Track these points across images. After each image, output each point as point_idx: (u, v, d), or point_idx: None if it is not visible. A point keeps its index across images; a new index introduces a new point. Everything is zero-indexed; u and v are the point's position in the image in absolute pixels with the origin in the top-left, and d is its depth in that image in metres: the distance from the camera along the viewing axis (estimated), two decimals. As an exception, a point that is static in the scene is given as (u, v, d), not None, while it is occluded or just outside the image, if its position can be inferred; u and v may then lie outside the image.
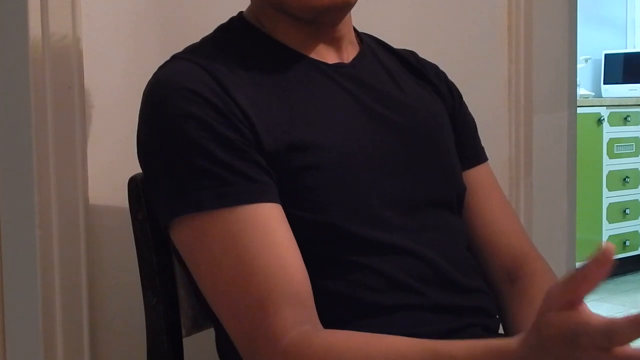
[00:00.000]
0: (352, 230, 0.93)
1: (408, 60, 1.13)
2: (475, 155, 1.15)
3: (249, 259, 0.87)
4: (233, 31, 1.03)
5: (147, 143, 0.94)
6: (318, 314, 0.89)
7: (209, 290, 0.90)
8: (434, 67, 1.16)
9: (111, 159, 1.22)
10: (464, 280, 1.00)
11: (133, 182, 1.02)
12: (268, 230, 0.88)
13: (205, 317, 1.05)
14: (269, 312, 0.85)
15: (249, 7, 1.05)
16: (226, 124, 0.89)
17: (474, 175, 1.13)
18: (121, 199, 1.06)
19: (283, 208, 0.90)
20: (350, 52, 1.06)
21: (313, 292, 0.89)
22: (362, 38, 1.10)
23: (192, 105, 0.89)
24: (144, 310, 1.03)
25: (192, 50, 0.99)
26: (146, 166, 0.96)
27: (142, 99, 0.96)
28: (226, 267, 0.87)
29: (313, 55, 1.01)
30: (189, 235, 0.90)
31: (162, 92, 0.93)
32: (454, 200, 1.07)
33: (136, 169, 1.02)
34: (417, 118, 1.06)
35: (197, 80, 0.91)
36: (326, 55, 1.03)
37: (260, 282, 0.86)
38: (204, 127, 0.89)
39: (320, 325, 0.88)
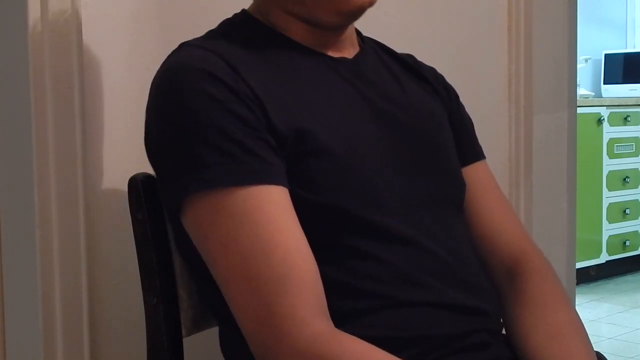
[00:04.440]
0: (357, 214, 0.93)
1: (407, 62, 1.14)
2: (472, 153, 1.16)
3: (266, 235, 0.86)
4: (238, 24, 1.04)
5: (158, 127, 0.94)
6: None
7: (222, 268, 0.89)
8: (432, 70, 1.18)
9: (111, 159, 1.22)
10: (470, 277, 1.00)
11: (133, 182, 1.02)
12: (282, 210, 0.88)
13: (206, 316, 1.05)
14: (292, 291, 0.85)
15: (253, 4, 1.06)
16: (240, 102, 0.90)
17: (471, 173, 1.13)
18: (121, 199, 1.06)
19: (290, 189, 0.91)
20: (352, 51, 1.07)
21: None
22: (364, 39, 1.12)
23: (207, 85, 0.90)
24: (144, 310, 1.03)
25: (200, 39, 1.00)
26: (157, 152, 0.95)
27: (153, 84, 0.96)
28: (242, 242, 0.87)
29: (318, 49, 1.03)
30: (202, 213, 0.89)
31: (175, 74, 0.93)
32: (456, 197, 1.07)
33: (136, 169, 1.02)
34: (417, 116, 1.06)
35: (209, 62, 0.92)
36: (330, 51, 1.04)
37: (280, 259, 0.86)
38: (219, 105, 0.89)
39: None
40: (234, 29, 1.03)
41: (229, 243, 0.87)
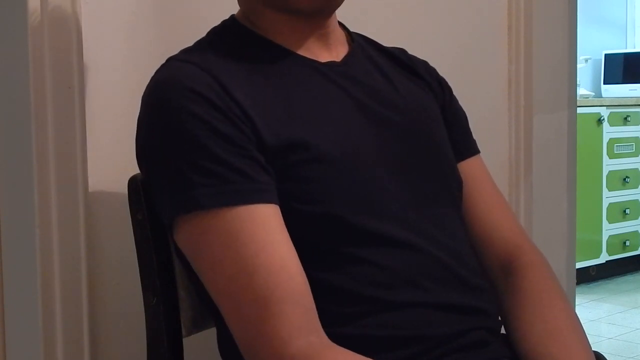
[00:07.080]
0: (354, 221, 0.93)
1: (398, 57, 1.14)
2: (466, 147, 1.15)
3: (250, 257, 0.87)
4: (226, 33, 1.03)
5: (147, 144, 0.94)
6: (319, 309, 0.89)
7: (211, 288, 0.90)
8: (424, 63, 1.17)
9: (111, 159, 1.22)
10: (470, 278, 1.00)
11: (133, 182, 1.02)
12: (268, 229, 0.88)
13: (206, 316, 1.05)
14: (274, 311, 0.85)
15: (240, 10, 1.06)
16: (226, 121, 0.90)
17: (465, 168, 1.13)
18: (121, 199, 1.06)
19: (284, 202, 0.91)
20: (340, 52, 1.06)
21: (315, 286, 0.90)
22: (353, 37, 1.11)
23: (192, 104, 0.89)
24: (144, 310, 1.03)
25: (188, 52, 1.00)
26: (147, 168, 0.96)
27: (142, 101, 0.96)
28: (227, 264, 0.87)
29: (306, 54, 1.02)
30: (191, 234, 0.90)
31: (161, 92, 0.93)
32: (454, 196, 1.07)
33: (136, 168, 1.02)
34: (411, 114, 1.06)
35: (195, 80, 0.91)
36: (318, 54, 1.03)
37: (262, 280, 0.86)
38: (205, 125, 0.89)
39: (325, 336, 0.88)
40: (221, 37, 1.02)
41: (216, 264, 0.88)
